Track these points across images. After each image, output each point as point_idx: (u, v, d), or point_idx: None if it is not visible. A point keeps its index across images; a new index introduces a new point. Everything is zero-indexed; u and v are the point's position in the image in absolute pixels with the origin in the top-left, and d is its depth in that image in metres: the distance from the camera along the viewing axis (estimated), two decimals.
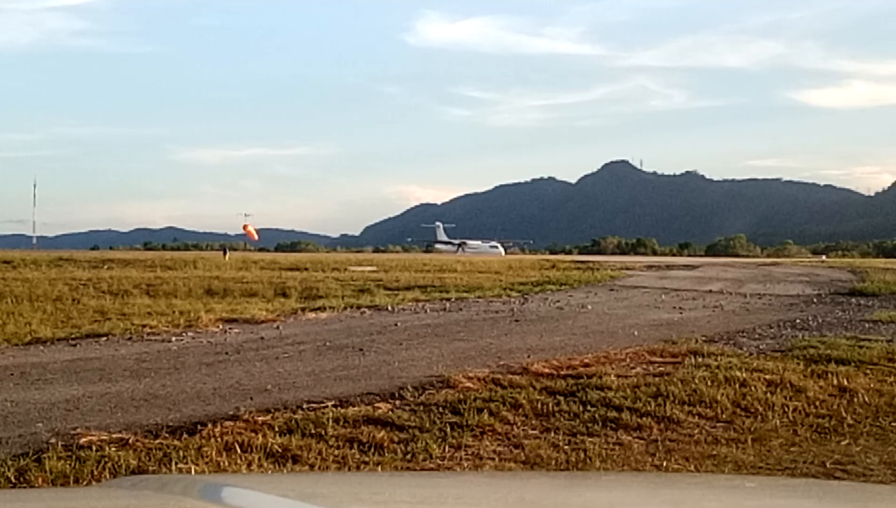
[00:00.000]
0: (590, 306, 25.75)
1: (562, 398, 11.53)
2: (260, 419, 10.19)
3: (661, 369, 13.84)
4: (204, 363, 14.44)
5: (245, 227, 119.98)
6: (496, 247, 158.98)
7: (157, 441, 9.26)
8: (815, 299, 30.47)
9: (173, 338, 17.72)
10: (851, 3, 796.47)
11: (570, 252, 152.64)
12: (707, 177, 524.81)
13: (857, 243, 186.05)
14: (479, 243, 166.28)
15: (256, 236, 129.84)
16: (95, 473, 8.18)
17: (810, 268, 59.94)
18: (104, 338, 17.73)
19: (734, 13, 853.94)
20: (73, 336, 17.92)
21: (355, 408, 10.86)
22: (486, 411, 10.70)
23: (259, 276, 41.63)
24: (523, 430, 10.31)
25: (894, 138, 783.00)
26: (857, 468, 9.12)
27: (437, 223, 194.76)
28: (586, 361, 14.31)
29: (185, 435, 9.54)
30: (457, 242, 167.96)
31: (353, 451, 9.23)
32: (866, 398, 12.28)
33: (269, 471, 8.52)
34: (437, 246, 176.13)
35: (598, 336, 18.25)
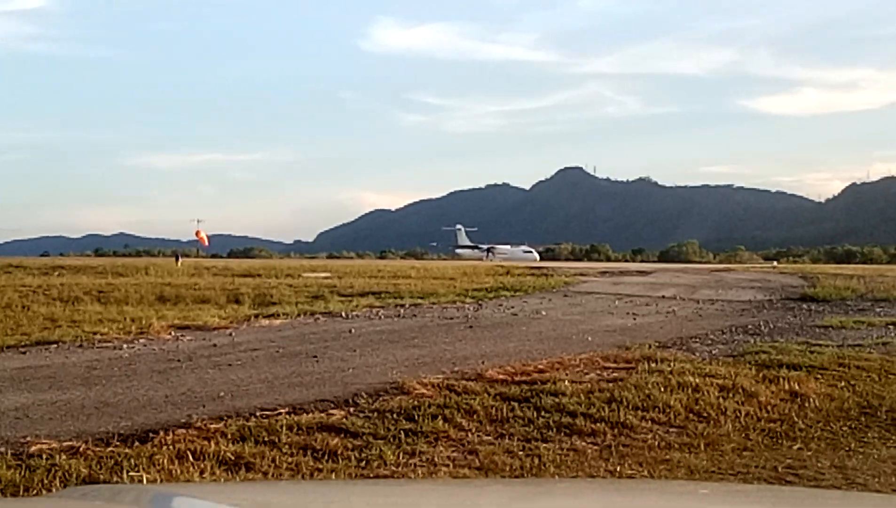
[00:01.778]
0: (544, 312, 25.79)
1: (516, 404, 11.54)
2: (212, 426, 10.12)
3: (614, 374, 13.88)
4: (156, 371, 14.31)
5: (197, 233, 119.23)
6: (530, 251, 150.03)
7: (109, 450, 9.17)
8: (766, 305, 30.72)
9: (125, 345, 17.54)
10: (803, 12, 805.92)
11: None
12: (660, 183, 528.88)
13: (808, 248, 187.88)
14: (509, 247, 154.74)
15: (207, 242, 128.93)
16: (46, 482, 8.09)
17: (762, 274, 60.36)
18: (54, 346, 17.51)
19: (688, 21, 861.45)
20: (22, 344, 17.68)
21: (309, 415, 10.82)
22: (440, 417, 10.68)
23: (212, 282, 41.30)
24: (478, 436, 10.30)
25: (845, 145, 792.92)
26: (808, 472, 9.18)
27: (458, 226, 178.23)
28: (541, 367, 14.33)
29: (136, 443, 9.46)
30: (484, 246, 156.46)
31: (306, 458, 9.19)
32: (817, 403, 12.39)
33: (222, 479, 8.46)
34: (459, 251, 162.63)
35: (553, 342, 18.28)
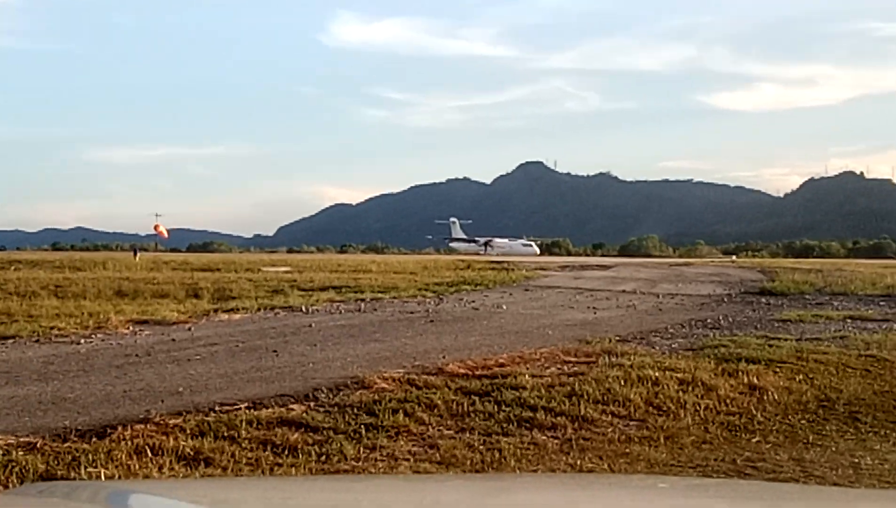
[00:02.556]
0: (505, 307, 25.84)
1: (477, 399, 11.53)
2: (171, 421, 10.04)
3: (575, 368, 13.90)
4: (114, 366, 14.19)
5: (156, 227, 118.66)
6: (529, 245, 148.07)
7: (66, 445, 9.07)
8: (725, 299, 30.93)
9: (82, 340, 17.41)
10: (760, 8, 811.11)
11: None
12: (620, 178, 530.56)
13: (767, 243, 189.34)
14: (507, 240, 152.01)
15: (167, 235, 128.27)
16: (2, 478, 7.99)
17: (721, 268, 60.83)
18: (10, 340, 17.37)
19: (647, 16, 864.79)
20: None
21: (269, 410, 10.75)
22: (401, 411, 10.66)
23: (170, 277, 41.07)
24: (438, 430, 10.29)
25: (802, 141, 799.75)
26: (767, 465, 9.23)
27: (453, 219, 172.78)
28: (501, 361, 14.33)
29: (94, 439, 9.36)
30: (481, 240, 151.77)
31: (266, 453, 9.13)
32: (776, 397, 12.47)
33: (181, 475, 8.39)
34: (454, 245, 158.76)
35: (513, 337, 18.30)
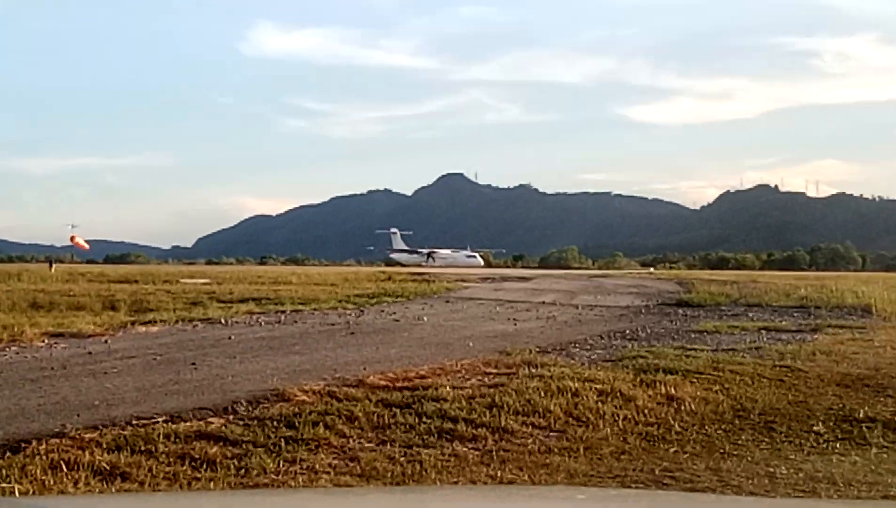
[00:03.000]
0: (426, 318, 25.85)
1: (398, 411, 11.52)
2: (87, 436, 9.90)
3: (495, 380, 13.95)
4: (28, 379, 13.93)
5: (73, 238, 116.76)
6: (473, 257, 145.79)
7: None
8: (643, 310, 31.24)
9: None
10: (678, 22, 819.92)
11: (406, 264, 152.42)
12: (540, 190, 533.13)
13: (684, 255, 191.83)
14: (449, 251, 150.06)
15: (87, 247, 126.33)
16: None
17: (639, 280, 61.51)
18: None
19: (566, 29, 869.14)
20: None
21: (187, 423, 10.65)
22: (321, 424, 10.61)
23: (87, 289, 40.47)
24: (359, 443, 10.25)
25: (718, 154, 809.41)
26: (684, 474, 9.33)
27: (393, 230, 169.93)
28: (422, 373, 14.34)
29: (7, 454, 9.20)
30: (424, 251, 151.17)
31: (184, 467, 9.03)
32: (693, 407, 12.61)
33: (97, 490, 8.28)
34: (394, 256, 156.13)
35: (434, 348, 18.32)
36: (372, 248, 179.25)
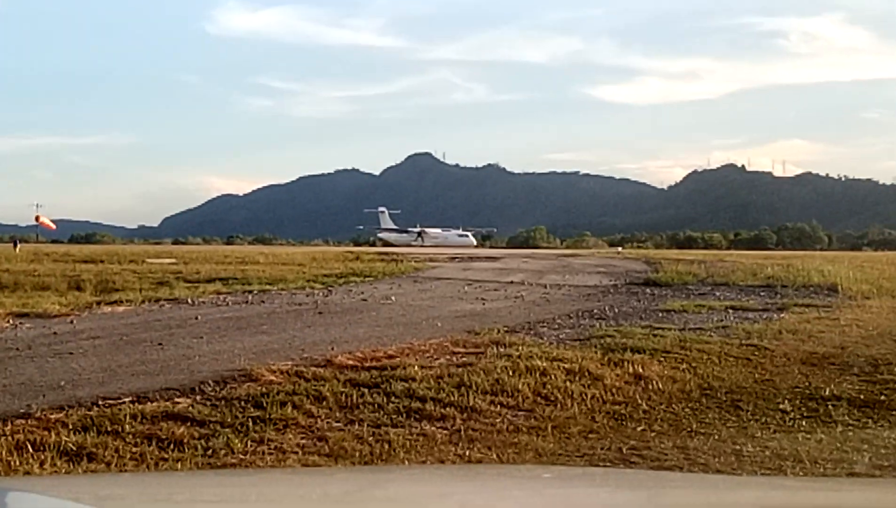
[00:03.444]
0: (394, 298, 25.82)
1: (366, 390, 11.51)
2: (53, 416, 9.85)
3: (464, 359, 13.95)
4: None
5: (38, 218, 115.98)
6: (465, 235, 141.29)
7: None
8: (612, 290, 31.30)
9: None
10: (644, 3, 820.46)
11: (374, 244, 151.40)
12: (508, 170, 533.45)
13: (652, 234, 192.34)
14: (440, 230, 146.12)
15: (54, 226, 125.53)
16: None
17: (607, 259, 61.68)
18: None
19: (532, 9, 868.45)
20: None
21: (154, 404, 10.61)
22: (289, 404, 10.59)
23: (52, 269, 40.18)
24: (327, 423, 10.25)
25: (686, 134, 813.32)
26: (651, 453, 9.38)
27: (381, 209, 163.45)
28: (390, 352, 14.32)
29: None
30: (415, 230, 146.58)
31: (151, 448, 9.00)
32: (660, 385, 12.68)
33: (63, 471, 8.24)
34: (383, 236, 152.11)
35: (403, 328, 18.30)
36: (361, 227, 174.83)
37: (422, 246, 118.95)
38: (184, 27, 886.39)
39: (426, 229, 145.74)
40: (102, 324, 18.66)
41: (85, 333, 17.09)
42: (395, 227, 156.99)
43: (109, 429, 9.43)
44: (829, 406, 11.65)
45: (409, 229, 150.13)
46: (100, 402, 10.65)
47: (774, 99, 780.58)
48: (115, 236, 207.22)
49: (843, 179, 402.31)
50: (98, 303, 22.96)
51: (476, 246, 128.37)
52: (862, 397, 12.22)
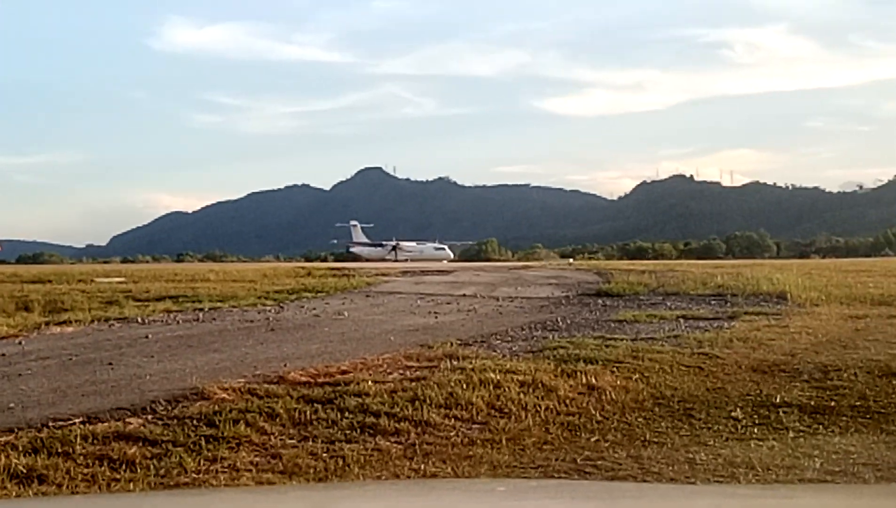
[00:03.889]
0: (346, 313, 25.75)
1: (319, 406, 11.49)
2: (2, 438, 9.75)
3: (417, 373, 13.96)
4: None
5: None
6: (442, 249, 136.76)
7: None
8: (563, 301, 31.38)
9: None
10: (589, 15, 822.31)
11: (325, 259, 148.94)
12: (459, 183, 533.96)
13: (602, 245, 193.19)
14: (414, 244, 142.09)
15: (1, 247, 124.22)
16: None
17: (559, 271, 61.85)
18: None
19: (480, 22, 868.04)
20: None
21: (105, 424, 10.51)
22: (242, 422, 10.54)
23: None
24: (281, 440, 10.21)
25: (634, 145, 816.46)
26: (606, 463, 9.43)
27: (353, 223, 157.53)
28: (344, 368, 14.29)
29: None
30: (389, 244, 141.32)
31: (103, 468, 8.93)
32: (613, 396, 12.74)
33: (14, 494, 8.16)
34: (355, 250, 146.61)
35: (356, 343, 18.25)
36: (335, 241, 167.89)
37: (396, 260, 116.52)
38: (129, 43, 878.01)
39: (401, 243, 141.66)
40: (51, 345, 18.46)
41: (34, 354, 16.90)
42: (367, 241, 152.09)
43: (60, 450, 9.35)
44: (780, 413, 11.77)
45: (384, 242, 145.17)
46: (50, 423, 10.54)
47: (721, 109, 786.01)
48: (64, 256, 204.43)
49: (789, 187, 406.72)
50: (47, 323, 22.72)
51: (453, 259, 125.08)
52: (812, 403, 12.36)
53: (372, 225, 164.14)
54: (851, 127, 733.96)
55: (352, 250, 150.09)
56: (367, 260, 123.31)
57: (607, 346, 16.90)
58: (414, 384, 12.87)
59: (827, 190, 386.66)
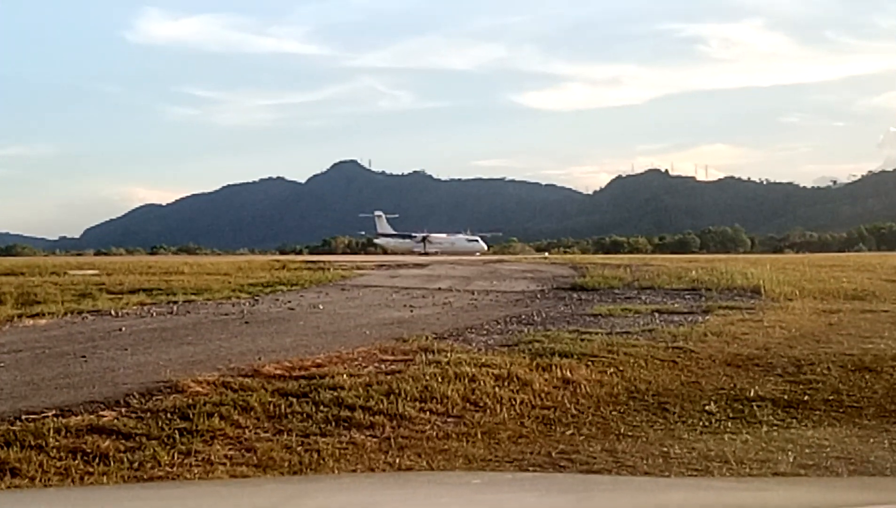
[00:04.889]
0: (321, 307, 25.71)
1: (294, 400, 11.47)
2: None
3: (392, 367, 13.96)
4: None
5: None
6: (476, 240, 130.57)
7: None
8: (539, 295, 31.40)
9: None
10: (567, 10, 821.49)
11: (300, 252, 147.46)
12: (434, 177, 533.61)
13: (578, 239, 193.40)
14: (444, 235, 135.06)
15: None
16: None
17: (534, 265, 61.86)
18: None
19: (457, 16, 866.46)
20: None
21: (78, 417, 10.46)
22: (216, 415, 10.51)
23: None
24: (255, 433, 10.19)
25: (610, 139, 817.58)
26: (581, 456, 9.45)
27: (378, 213, 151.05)
28: (318, 361, 14.27)
29: None
30: (418, 235, 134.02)
31: (76, 462, 8.89)
32: (588, 389, 12.77)
33: None
34: (381, 242, 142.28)
35: (331, 336, 18.23)
36: (363, 233, 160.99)
37: (424, 253, 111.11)
38: (104, 36, 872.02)
39: (431, 235, 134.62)
40: (24, 337, 18.36)
41: (6, 346, 16.80)
42: (393, 232, 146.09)
43: (33, 443, 9.30)
44: (754, 407, 11.82)
45: (412, 233, 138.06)
46: (22, 416, 10.49)
47: (697, 104, 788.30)
48: (37, 248, 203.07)
49: (764, 182, 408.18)
50: (19, 316, 22.58)
51: (486, 251, 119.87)
52: (786, 397, 12.43)
53: (396, 215, 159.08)
54: (826, 123, 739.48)
55: (377, 241, 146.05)
56: (393, 252, 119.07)
57: (582, 340, 16.94)
58: (389, 377, 12.87)
59: (801, 185, 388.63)
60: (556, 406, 11.90)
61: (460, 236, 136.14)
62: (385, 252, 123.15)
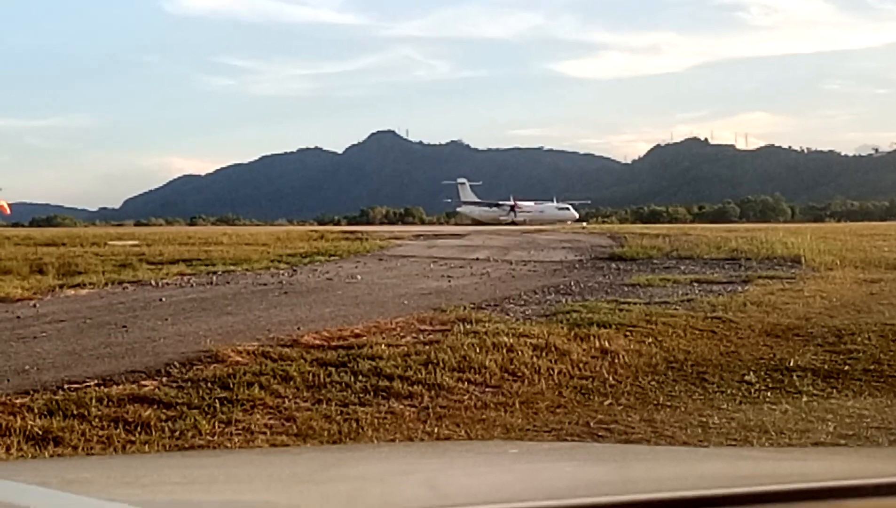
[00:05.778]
0: (359, 277, 25.74)
1: (333, 369, 11.51)
2: (18, 401, 9.78)
3: (430, 337, 13.97)
4: None
5: None
6: (566, 208, 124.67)
7: None
8: (577, 265, 31.30)
9: None
10: None
11: (338, 223, 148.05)
12: (472, 146, 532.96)
13: (616, 209, 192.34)
14: (533, 204, 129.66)
15: (9, 211, 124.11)
16: None
17: (572, 234, 61.70)
18: None
19: None
20: None
21: (120, 387, 10.54)
22: (256, 385, 10.57)
23: (13, 252, 39.68)
24: (295, 402, 10.24)
25: (648, 108, 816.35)
26: (619, 426, 9.45)
27: (461, 180, 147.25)
28: (357, 331, 14.31)
29: None
30: (507, 204, 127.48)
31: (118, 431, 8.98)
32: (626, 359, 12.75)
33: (30, 455, 8.20)
34: (464, 210, 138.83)
35: (369, 306, 18.26)
36: (449, 200, 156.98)
37: (513, 223, 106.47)
38: (142, 7, 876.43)
39: (519, 203, 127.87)
40: (66, 307, 18.51)
41: (48, 316, 16.95)
42: (478, 200, 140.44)
43: (75, 413, 9.39)
44: (794, 377, 11.77)
45: (500, 202, 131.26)
46: (65, 386, 10.58)
47: (736, 72, 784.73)
48: (77, 219, 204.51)
49: (805, 151, 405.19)
50: (61, 286, 22.76)
51: (578, 219, 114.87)
52: (826, 367, 12.35)
53: (480, 183, 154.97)
54: (868, 90, 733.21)
55: (460, 209, 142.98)
56: (478, 222, 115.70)
57: (620, 310, 16.87)
58: (427, 347, 12.88)
59: (842, 153, 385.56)
60: (594, 376, 11.89)
61: (550, 204, 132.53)
62: (472, 222, 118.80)
